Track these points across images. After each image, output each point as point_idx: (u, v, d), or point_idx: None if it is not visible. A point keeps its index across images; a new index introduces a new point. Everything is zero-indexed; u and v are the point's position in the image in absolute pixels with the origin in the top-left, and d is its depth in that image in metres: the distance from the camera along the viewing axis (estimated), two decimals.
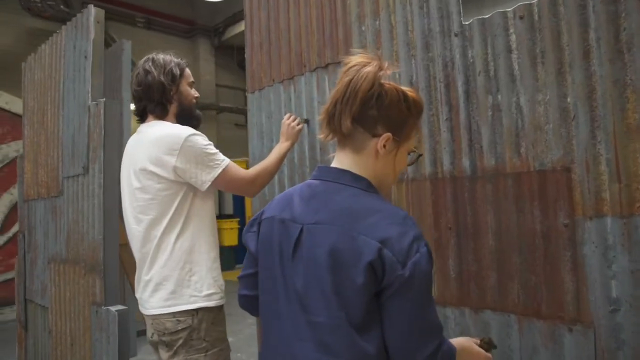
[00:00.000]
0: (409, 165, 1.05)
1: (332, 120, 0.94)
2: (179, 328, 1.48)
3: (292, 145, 1.85)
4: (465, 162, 1.47)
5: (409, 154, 1.00)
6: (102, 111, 2.12)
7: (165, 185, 1.51)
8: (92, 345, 2.08)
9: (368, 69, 0.90)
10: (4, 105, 6.65)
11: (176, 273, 1.51)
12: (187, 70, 1.71)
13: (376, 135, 0.93)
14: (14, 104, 6.60)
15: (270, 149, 2.03)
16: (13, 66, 7.16)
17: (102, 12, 2.27)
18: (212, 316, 1.52)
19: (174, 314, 1.49)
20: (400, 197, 1.65)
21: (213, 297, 1.52)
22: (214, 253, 1.59)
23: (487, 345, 1.09)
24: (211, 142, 1.58)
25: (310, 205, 0.94)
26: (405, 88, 0.96)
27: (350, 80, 0.90)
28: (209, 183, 1.52)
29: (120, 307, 2.00)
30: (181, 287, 1.50)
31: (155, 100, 1.61)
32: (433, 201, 1.56)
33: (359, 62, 0.92)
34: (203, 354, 1.49)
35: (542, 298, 1.30)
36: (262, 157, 2.26)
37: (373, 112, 0.91)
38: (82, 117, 2.30)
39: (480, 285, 1.44)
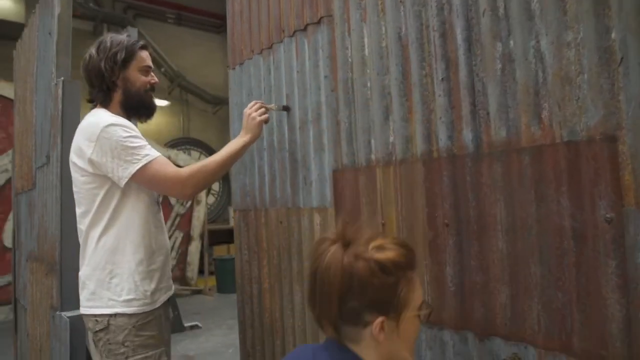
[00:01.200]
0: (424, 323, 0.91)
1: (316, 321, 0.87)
2: (97, 329, 1.41)
3: (253, 140, 1.57)
4: (467, 136, 1.09)
5: (418, 316, 0.85)
6: (60, 91, 1.87)
7: (88, 178, 1.43)
8: (50, 353, 1.85)
9: (331, 256, 0.81)
10: None
11: (97, 273, 1.43)
12: (142, 54, 1.55)
13: (368, 324, 0.81)
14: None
15: None
16: None
17: None
18: (135, 321, 1.40)
19: (94, 315, 1.42)
20: (387, 184, 1.28)
21: (133, 303, 1.41)
22: (141, 256, 1.43)
23: None
24: (138, 135, 1.41)
25: None
26: (379, 255, 0.80)
27: (316, 276, 0.83)
28: (126, 180, 1.39)
29: (75, 312, 1.75)
30: (101, 288, 1.42)
31: (96, 86, 1.52)
32: (427, 189, 1.17)
33: (320, 247, 0.84)
34: None
35: (573, 326, 0.90)
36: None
37: (353, 303, 0.80)
38: (47, 101, 2.07)
39: (488, 303, 1.05)
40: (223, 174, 1.54)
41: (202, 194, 7.45)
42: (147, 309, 1.42)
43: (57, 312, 1.77)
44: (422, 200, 1.18)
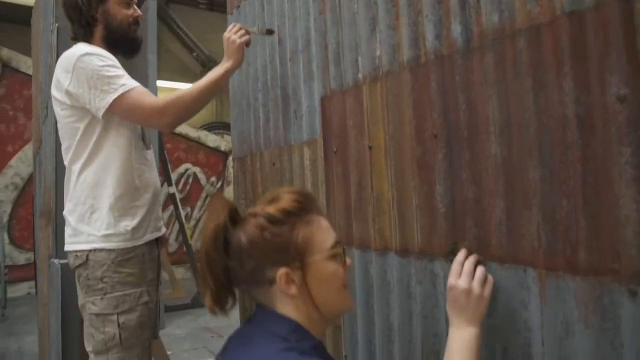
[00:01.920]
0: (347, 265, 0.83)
1: None
2: (77, 264, 1.37)
3: (235, 66, 1.43)
4: (456, 30, 0.92)
5: (333, 256, 0.79)
6: (54, 39, 1.82)
7: (68, 111, 1.38)
8: (49, 303, 1.84)
9: (209, 233, 0.76)
10: None
11: (78, 208, 1.39)
12: None
13: (274, 281, 0.76)
14: None
15: None
16: None
17: None
18: (113, 257, 1.35)
19: (74, 250, 1.38)
20: (374, 102, 1.13)
21: (112, 238, 1.35)
22: (121, 191, 1.36)
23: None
24: (116, 64, 1.35)
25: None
26: (269, 208, 0.78)
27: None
28: (103, 110, 1.32)
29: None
30: (82, 223, 1.37)
31: (76, 22, 1.46)
32: (414, 100, 1.02)
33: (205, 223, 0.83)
34: (100, 297, 1.33)
35: (579, 238, 0.74)
36: (243, 95, 1.85)
37: (250, 264, 0.77)
38: (48, 58, 2.05)
39: (481, 221, 0.89)
40: (205, 103, 1.45)
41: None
42: (127, 245, 1.36)
43: (52, 260, 1.75)
44: (409, 113, 1.03)
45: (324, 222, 0.82)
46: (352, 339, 1.24)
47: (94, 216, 1.36)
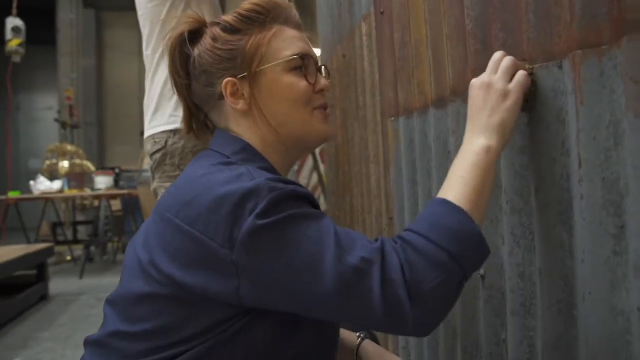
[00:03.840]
0: (313, 82, 0.68)
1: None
2: (154, 150, 1.33)
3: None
4: None
5: (294, 69, 0.67)
6: None
7: None
8: None
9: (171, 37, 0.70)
10: None
11: (158, 91, 1.35)
12: None
13: (223, 96, 0.67)
14: None
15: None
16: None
17: None
18: (192, 145, 1.29)
19: (153, 135, 1.34)
20: None
21: None
22: None
23: None
24: None
25: None
26: (226, 16, 0.69)
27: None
28: None
29: None
30: (164, 100, 1.33)
31: None
32: None
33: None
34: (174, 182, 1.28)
35: None
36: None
37: (202, 78, 0.69)
38: None
39: (510, 23, 0.64)
40: None
41: None
42: None
43: None
44: None
45: (289, 32, 0.69)
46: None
47: (175, 97, 1.36)
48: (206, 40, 0.69)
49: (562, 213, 0.56)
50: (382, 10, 1.10)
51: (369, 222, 1.30)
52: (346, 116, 1.48)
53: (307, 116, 0.67)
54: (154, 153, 1.36)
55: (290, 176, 1.95)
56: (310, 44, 0.73)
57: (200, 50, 0.69)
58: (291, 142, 0.68)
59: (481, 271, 0.73)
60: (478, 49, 0.72)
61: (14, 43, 4.25)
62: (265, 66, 0.66)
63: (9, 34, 4.26)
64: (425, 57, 0.90)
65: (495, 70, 0.60)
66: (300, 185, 0.60)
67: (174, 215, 0.57)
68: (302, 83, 0.67)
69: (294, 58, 0.67)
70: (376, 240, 0.54)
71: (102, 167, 5.88)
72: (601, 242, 0.49)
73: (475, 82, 0.62)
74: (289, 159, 0.70)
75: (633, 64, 0.45)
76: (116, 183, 4.72)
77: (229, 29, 0.68)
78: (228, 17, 0.69)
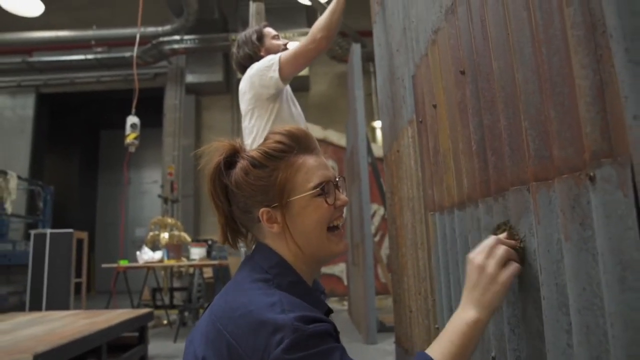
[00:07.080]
0: (333, 203, 0.82)
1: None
2: None
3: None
4: None
5: (318, 196, 0.80)
6: None
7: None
8: None
9: (209, 167, 0.83)
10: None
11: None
12: (267, 30, 1.99)
13: (260, 220, 0.81)
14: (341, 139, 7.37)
15: None
16: (331, 107, 8.83)
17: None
18: None
19: None
20: (435, 62, 1.13)
21: None
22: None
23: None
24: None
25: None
26: (253, 152, 0.82)
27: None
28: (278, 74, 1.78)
29: None
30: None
31: (248, 67, 1.95)
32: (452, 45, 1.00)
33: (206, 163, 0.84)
34: None
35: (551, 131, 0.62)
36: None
37: (241, 204, 0.82)
38: None
39: (499, 150, 0.81)
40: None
41: None
42: None
43: None
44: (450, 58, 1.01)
45: (310, 162, 0.82)
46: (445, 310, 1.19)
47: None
48: (239, 173, 0.81)
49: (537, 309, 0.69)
50: (420, 119, 1.30)
51: (420, 302, 1.43)
52: (402, 204, 1.66)
53: (325, 240, 0.82)
54: None
55: None
56: (327, 165, 0.85)
57: (235, 181, 0.81)
58: (315, 256, 0.82)
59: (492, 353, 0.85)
60: (482, 166, 0.89)
61: (131, 137, 5.08)
62: (293, 198, 0.80)
63: (128, 129, 5.11)
64: (450, 165, 1.07)
65: (489, 256, 0.72)
66: (322, 317, 0.71)
67: (223, 328, 0.70)
68: (324, 206, 0.80)
69: (317, 188, 0.80)
70: None
71: (196, 239, 6.47)
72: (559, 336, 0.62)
73: (472, 259, 0.74)
74: (315, 268, 0.84)
75: (562, 198, 0.60)
76: (209, 254, 5.21)
77: (257, 165, 0.80)
78: (256, 154, 0.82)
